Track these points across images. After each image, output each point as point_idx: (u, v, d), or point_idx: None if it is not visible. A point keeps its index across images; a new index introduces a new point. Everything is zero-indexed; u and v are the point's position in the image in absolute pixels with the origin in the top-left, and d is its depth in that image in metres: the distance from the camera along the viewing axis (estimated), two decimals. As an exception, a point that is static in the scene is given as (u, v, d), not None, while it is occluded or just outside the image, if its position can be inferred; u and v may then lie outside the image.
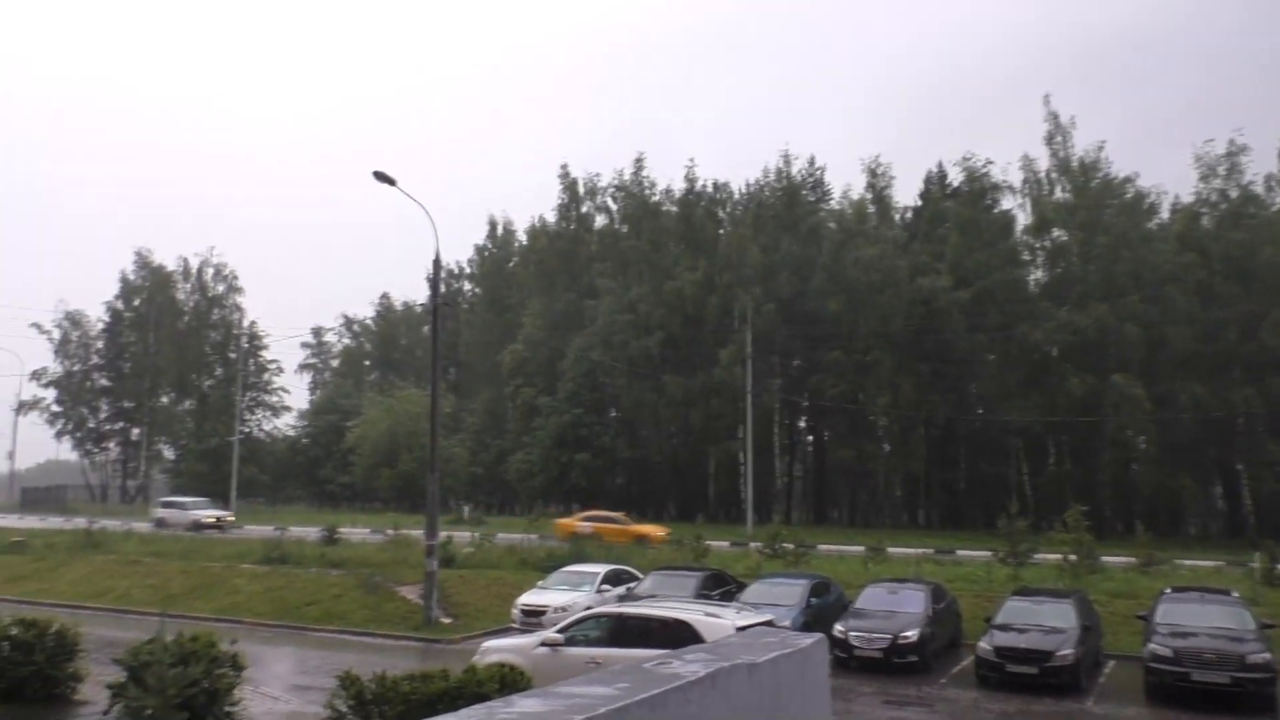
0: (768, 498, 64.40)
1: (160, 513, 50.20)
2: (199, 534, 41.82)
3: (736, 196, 70.92)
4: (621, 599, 20.56)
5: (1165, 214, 59.28)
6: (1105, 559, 27.18)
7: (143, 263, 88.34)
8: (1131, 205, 55.90)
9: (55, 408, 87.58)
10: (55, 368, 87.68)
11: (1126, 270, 52.16)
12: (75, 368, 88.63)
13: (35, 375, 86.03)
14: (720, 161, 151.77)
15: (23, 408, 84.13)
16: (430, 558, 23.10)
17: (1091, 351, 51.70)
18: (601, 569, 23.95)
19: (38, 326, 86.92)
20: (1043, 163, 57.99)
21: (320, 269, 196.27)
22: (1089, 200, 54.98)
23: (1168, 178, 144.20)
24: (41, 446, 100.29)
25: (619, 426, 67.85)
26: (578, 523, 40.61)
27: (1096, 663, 18.60)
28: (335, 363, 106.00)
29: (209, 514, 49.47)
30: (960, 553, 34.65)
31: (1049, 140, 57.64)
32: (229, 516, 50.79)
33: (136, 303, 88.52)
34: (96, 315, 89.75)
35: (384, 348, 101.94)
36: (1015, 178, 58.83)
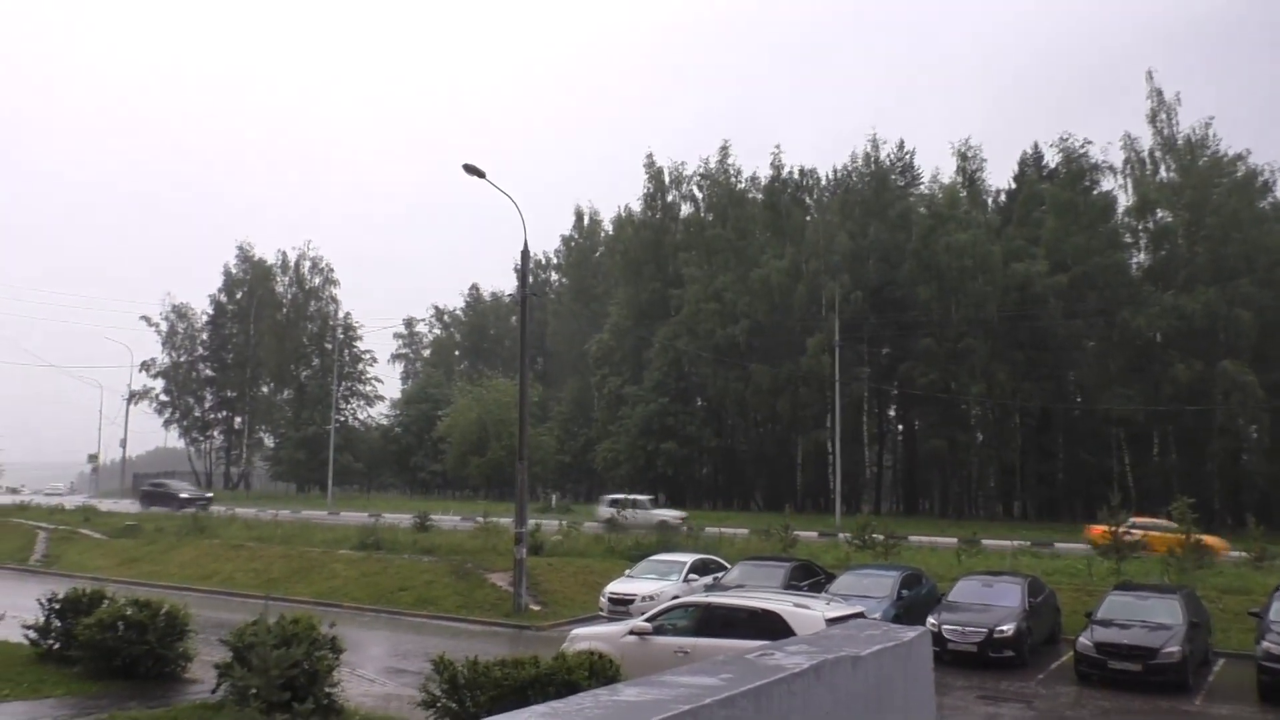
0: (857, 488, 63.57)
1: (607, 511, 42.81)
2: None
3: (824, 183, 70.05)
4: (709, 588, 20.49)
5: (1280, 192, 56.41)
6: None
7: (244, 256, 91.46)
8: (1242, 184, 53.35)
9: (163, 397, 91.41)
10: (163, 359, 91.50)
11: (1237, 252, 49.92)
12: (182, 359, 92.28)
13: (145, 366, 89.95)
14: (807, 148, 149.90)
15: (134, 398, 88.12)
16: (519, 545, 23.34)
17: (1199, 337, 49.64)
18: (689, 558, 23.92)
19: (147, 320, 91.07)
20: (1145, 142, 55.90)
21: (412, 261, 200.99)
22: (1196, 179, 52.70)
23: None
24: (151, 435, 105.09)
25: (705, 415, 67.73)
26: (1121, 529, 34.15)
27: (1205, 661, 17.86)
28: (426, 353, 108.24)
29: (674, 514, 44.19)
30: (1058, 545, 33.73)
31: (1152, 118, 55.46)
32: (684, 516, 44.13)
33: (238, 295, 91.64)
34: (201, 308, 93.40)
35: (473, 338, 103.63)
36: (1116, 158, 56.91)
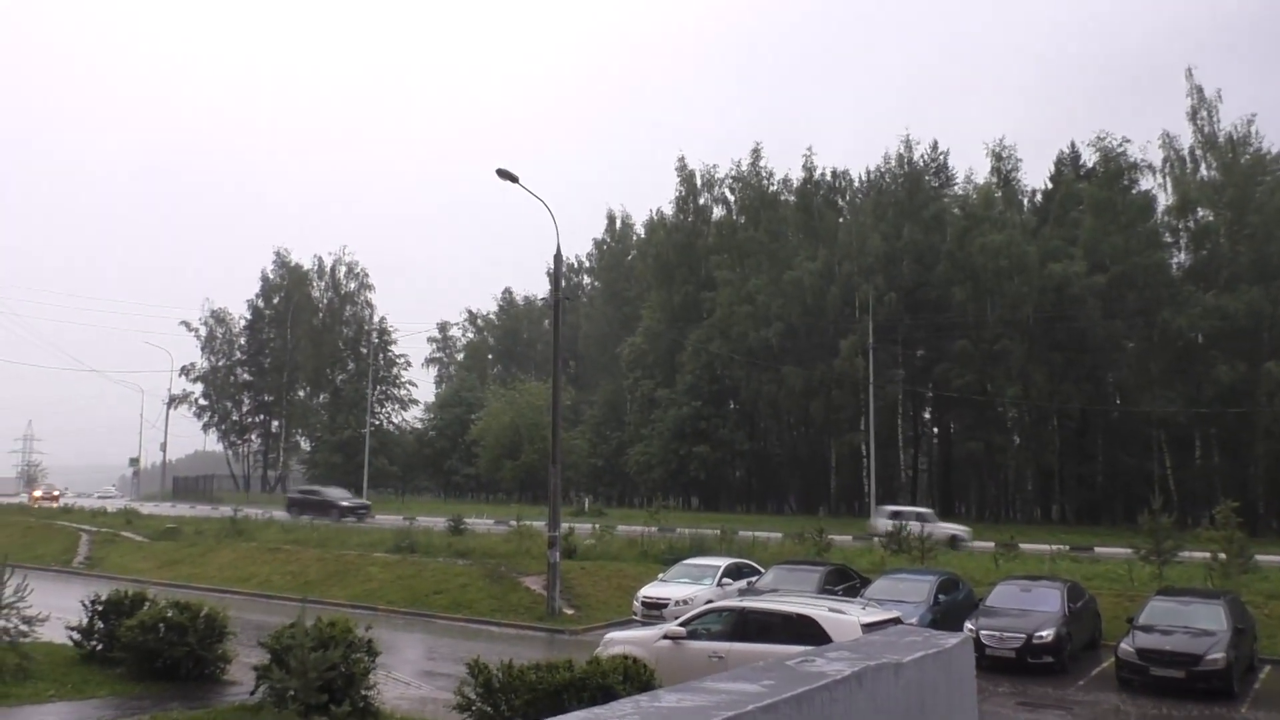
0: (892, 491, 63.05)
1: (886, 524, 35.92)
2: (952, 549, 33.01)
3: (857, 184, 69.64)
4: (743, 593, 20.39)
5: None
6: (1260, 558, 25.57)
7: (281, 262, 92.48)
8: (1287, 181, 52.43)
9: (202, 401, 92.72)
10: (202, 363, 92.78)
11: (1282, 250, 49.02)
12: (220, 363, 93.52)
13: (184, 371, 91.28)
14: (840, 150, 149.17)
15: (173, 402, 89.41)
16: (553, 549, 23.37)
17: (1242, 337, 48.76)
18: (722, 562, 23.83)
19: (186, 325, 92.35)
20: (1185, 140, 55.09)
21: (446, 265, 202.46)
22: (1238, 178, 51.81)
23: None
24: (190, 438, 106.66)
25: (738, 419, 67.53)
26: None
27: (1251, 667, 17.52)
28: (460, 357, 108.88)
29: (962, 529, 39.99)
30: (1098, 550, 33.26)
31: (1192, 116, 54.65)
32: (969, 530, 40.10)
33: (275, 300, 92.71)
34: (239, 313, 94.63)
35: (506, 342, 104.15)
36: (1155, 157, 56.07)
